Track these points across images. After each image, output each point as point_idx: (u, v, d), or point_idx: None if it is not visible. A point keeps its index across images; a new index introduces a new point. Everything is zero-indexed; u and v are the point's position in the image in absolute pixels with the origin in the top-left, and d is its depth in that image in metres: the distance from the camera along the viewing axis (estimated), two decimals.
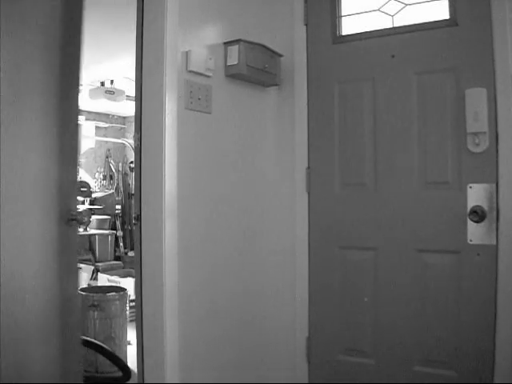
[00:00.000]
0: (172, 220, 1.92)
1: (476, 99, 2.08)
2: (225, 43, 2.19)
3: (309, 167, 2.50)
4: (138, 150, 1.98)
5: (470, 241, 2.10)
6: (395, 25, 2.33)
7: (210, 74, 2.11)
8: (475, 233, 2.09)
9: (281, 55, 2.39)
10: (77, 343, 1.89)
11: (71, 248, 1.83)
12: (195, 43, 2.05)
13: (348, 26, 2.46)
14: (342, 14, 2.47)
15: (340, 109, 2.43)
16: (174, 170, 1.93)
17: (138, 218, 1.96)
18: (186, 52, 2.00)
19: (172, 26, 1.93)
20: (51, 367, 1.73)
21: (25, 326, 1.62)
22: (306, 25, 2.52)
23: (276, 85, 2.44)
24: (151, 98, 1.94)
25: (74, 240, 1.84)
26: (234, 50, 2.16)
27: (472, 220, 2.07)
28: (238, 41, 2.16)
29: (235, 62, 2.16)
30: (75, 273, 1.91)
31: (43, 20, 1.66)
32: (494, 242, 2.05)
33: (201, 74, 2.06)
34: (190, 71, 2.02)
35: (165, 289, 1.89)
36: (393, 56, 2.30)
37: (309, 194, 2.50)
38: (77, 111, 1.87)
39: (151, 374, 1.93)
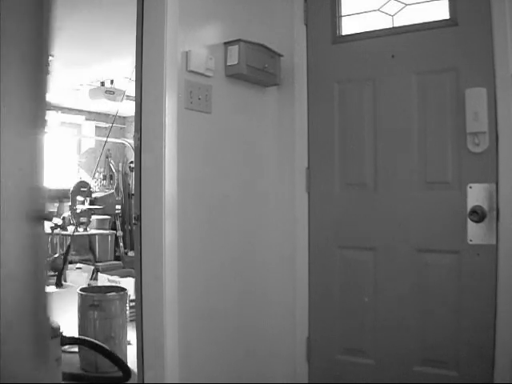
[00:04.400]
0: (172, 220, 1.92)
1: (476, 99, 2.08)
2: (225, 43, 2.19)
3: (309, 167, 2.50)
4: (138, 150, 1.98)
5: (470, 241, 2.10)
6: (395, 25, 2.33)
7: (210, 74, 2.11)
8: (475, 233, 2.09)
9: (281, 55, 2.39)
10: (45, 342, 1.87)
11: (39, 246, 1.83)
12: (195, 43, 2.05)
13: (348, 26, 2.46)
14: (342, 14, 2.47)
15: (340, 109, 2.43)
16: (174, 171, 1.93)
17: (138, 218, 1.96)
18: (186, 52, 2.00)
19: (172, 26, 1.93)
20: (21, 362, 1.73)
21: None
22: (306, 25, 2.51)
23: (276, 85, 2.44)
24: (151, 98, 1.94)
25: (43, 237, 1.84)
26: (233, 50, 2.17)
27: (472, 220, 2.07)
28: (237, 41, 2.16)
29: (235, 62, 2.16)
30: (43, 270, 1.88)
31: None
32: (494, 242, 2.05)
33: (201, 74, 2.06)
34: (190, 71, 2.02)
35: (165, 289, 1.89)
36: (393, 56, 2.30)
37: (309, 194, 2.50)
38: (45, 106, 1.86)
39: (151, 374, 1.93)
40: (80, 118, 7.71)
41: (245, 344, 2.31)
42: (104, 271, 5.67)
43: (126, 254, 7.00)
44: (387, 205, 2.30)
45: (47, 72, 1.67)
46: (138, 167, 1.98)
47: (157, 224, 1.91)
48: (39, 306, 1.74)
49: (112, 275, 5.09)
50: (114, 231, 7.00)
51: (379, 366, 2.31)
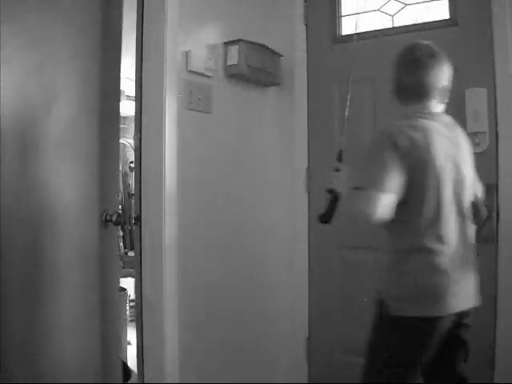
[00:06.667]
0: (172, 220, 1.92)
1: (476, 99, 2.08)
2: (225, 43, 2.19)
3: (309, 167, 2.50)
4: (138, 150, 1.98)
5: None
6: (395, 25, 2.33)
7: (210, 74, 2.11)
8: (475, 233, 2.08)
9: (281, 55, 2.39)
10: (116, 340, 1.82)
11: (109, 249, 1.74)
12: (195, 43, 2.05)
13: (348, 26, 2.46)
14: (342, 14, 2.47)
15: (340, 109, 2.42)
16: (173, 170, 1.93)
17: (138, 218, 1.96)
18: (186, 52, 2.00)
19: (172, 26, 1.93)
20: (90, 361, 1.66)
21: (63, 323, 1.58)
22: (306, 25, 2.51)
23: (276, 85, 2.44)
24: (151, 98, 1.94)
25: (112, 241, 1.76)
26: (233, 50, 2.17)
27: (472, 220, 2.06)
28: (237, 41, 2.16)
29: (235, 62, 2.16)
30: (115, 274, 1.82)
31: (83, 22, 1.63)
32: (494, 242, 2.05)
33: (201, 74, 2.06)
34: (190, 71, 2.02)
35: (165, 289, 1.89)
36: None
37: (309, 194, 2.50)
38: (118, 115, 1.81)
39: (151, 374, 1.93)
40: None
41: (245, 344, 2.30)
42: None
43: (126, 254, 6.99)
44: None
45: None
46: (138, 167, 1.98)
47: (157, 224, 1.91)
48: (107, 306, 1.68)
49: None
50: None
51: None
